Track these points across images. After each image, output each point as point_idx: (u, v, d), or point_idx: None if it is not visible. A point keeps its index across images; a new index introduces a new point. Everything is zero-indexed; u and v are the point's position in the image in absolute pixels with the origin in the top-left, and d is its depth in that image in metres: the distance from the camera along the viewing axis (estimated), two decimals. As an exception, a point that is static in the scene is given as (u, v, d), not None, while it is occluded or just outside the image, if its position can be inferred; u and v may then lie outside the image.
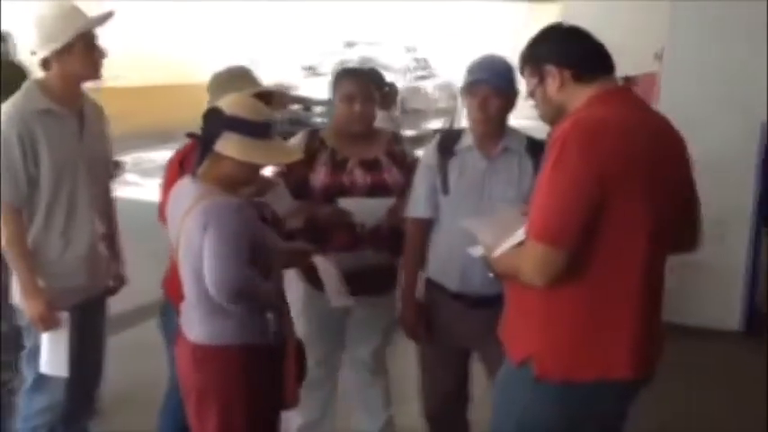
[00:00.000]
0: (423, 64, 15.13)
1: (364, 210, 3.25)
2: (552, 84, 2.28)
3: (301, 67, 14.16)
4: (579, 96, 2.25)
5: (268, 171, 3.20)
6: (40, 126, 2.86)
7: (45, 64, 2.92)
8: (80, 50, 2.87)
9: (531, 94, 2.35)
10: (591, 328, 2.20)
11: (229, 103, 2.45)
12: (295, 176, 3.26)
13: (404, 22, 17.97)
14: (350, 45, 14.80)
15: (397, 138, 3.51)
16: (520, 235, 2.20)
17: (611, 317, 2.19)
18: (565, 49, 2.28)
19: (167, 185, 2.85)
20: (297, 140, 3.34)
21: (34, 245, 2.92)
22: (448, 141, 3.05)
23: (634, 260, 2.17)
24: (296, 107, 12.65)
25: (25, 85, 2.94)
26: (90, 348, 3.13)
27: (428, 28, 18.25)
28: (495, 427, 2.43)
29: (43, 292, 2.89)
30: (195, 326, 2.49)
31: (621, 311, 2.19)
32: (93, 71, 2.95)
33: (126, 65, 11.69)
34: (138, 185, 9.45)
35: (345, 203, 3.24)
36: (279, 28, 16.64)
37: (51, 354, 2.93)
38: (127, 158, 10.92)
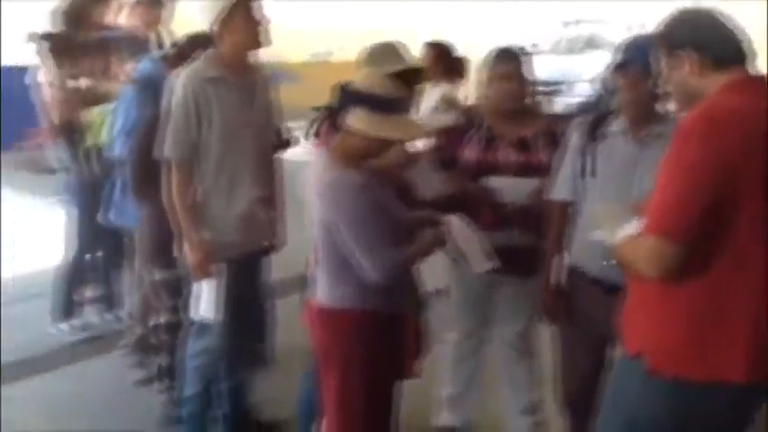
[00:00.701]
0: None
1: (512, 189, 3.25)
2: (689, 69, 2.18)
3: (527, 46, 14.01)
4: (714, 83, 2.14)
5: (419, 145, 3.28)
6: (212, 92, 3.11)
7: (216, 35, 3.15)
8: (239, 20, 3.07)
9: (666, 79, 2.26)
10: (707, 326, 2.11)
11: (361, 79, 2.55)
12: (448, 151, 3.33)
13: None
14: (570, 24, 14.46)
15: (556, 117, 3.46)
16: (636, 224, 2.13)
17: (730, 317, 2.09)
18: (703, 34, 2.17)
19: None
20: (453, 115, 3.40)
21: (202, 200, 3.19)
22: (597, 123, 2.97)
23: (758, 259, 2.05)
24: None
25: (204, 54, 3.19)
26: (247, 300, 3.37)
27: (654, 5, 17.29)
28: (603, 417, 2.40)
29: (203, 244, 3.16)
30: (321, 289, 2.64)
31: (741, 312, 2.09)
32: (255, 40, 3.14)
33: (342, 40, 12.22)
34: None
35: (493, 182, 3.26)
36: (497, 6, 16.52)
37: (207, 300, 3.22)
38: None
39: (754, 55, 2.18)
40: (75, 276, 4.54)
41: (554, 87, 12.81)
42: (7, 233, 6.19)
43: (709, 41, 2.15)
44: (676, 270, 2.04)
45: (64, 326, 4.55)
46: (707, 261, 2.05)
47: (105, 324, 4.64)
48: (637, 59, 2.78)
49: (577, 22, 14.36)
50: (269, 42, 3.19)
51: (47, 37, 4.35)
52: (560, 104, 12.23)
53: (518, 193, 3.26)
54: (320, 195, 2.53)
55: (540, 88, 12.10)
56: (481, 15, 16.05)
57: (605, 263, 2.35)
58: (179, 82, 3.14)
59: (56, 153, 4.41)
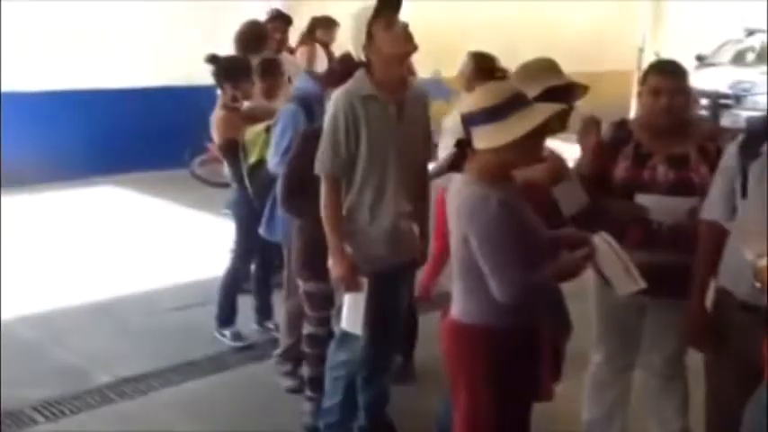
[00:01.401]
0: None
1: (662, 207, 3.14)
2: None
3: (695, 57, 13.41)
4: None
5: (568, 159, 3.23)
6: (363, 109, 3.20)
7: (366, 58, 3.24)
8: (377, 40, 3.15)
9: None
10: None
11: (468, 101, 2.54)
12: (598, 167, 3.25)
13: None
14: (751, 33, 13.66)
15: (714, 133, 3.31)
16: None
17: None
18: None
19: None
20: (606, 131, 3.33)
21: (347, 214, 3.29)
22: (753, 140, 2.81)
23: None
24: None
25: (356, 74, 3.28)
26: (389, 314, 3.43)
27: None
28: None
29: (348, 257, 3.26)
30: (455, 303, 2.64)
31: None
32: (397, 54, 3.20)
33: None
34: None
35: (643, 199, 3.16)
36: (679, 14, 15.91)
37: (350, 313, 3.31)
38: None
39: None
40: (235, 286, 4.77)
41: (724, 101, 12.18)
42: (178, 243, 6.62)
43: None
44: None
45: (226, 332, 4.79)
46: None
47: (262, 333, 4.85)
48: None
49: (752, 32, 13.54)
50: (413, 48, 3.23)
51: (215, 60, 4.64)
52: (729, 118, 11.63)
53: (669, 211, 3.14)
54: (457, 210, 2.54)
55: (704, 102, 11.70)
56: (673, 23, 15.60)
57: (754, 285, 2.21)
58: (332, 100, 3.27)
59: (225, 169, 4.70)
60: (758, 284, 2.18)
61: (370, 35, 3.17)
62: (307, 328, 3.85)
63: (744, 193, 2.75)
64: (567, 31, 13.62)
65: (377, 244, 3.30)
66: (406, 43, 3.21)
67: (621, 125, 3.33)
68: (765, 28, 13.60)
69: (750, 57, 13.72)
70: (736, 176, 2.79)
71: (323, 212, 3.27)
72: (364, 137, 3.21)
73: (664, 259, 3.12)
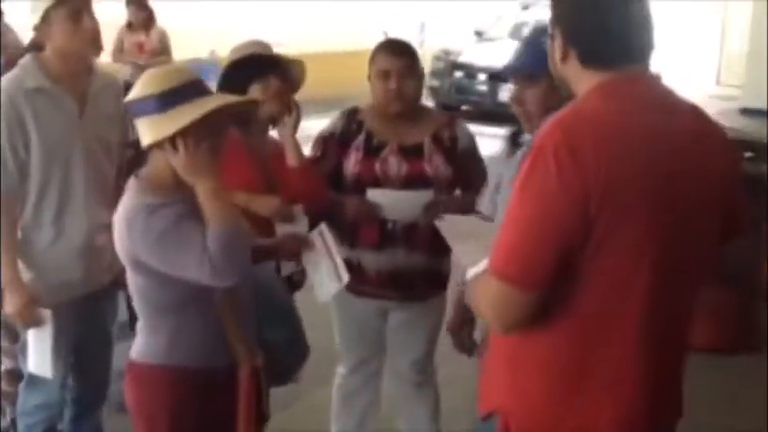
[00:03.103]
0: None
1: (396, 204, 2.82)
2: (557, 52, 1.71)
3: (474, 32, 13.50)
4: (584, 81, 1.67)
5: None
6: (29, 106, 2.63)
7: (37, 38, 2.68)
8: (61, 23, 2.60)
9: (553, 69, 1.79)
10: (569, 383, 1.66)
11: (136, 86, 2.03)
12: (329, 162, 2.88)
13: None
14: (526, 7, 13.94)
15: (451, 121, 2.99)
16: (484, 264, 1.67)
17: (597, 370, 1.64)
18: (575, 21, 1.67)
19: None
20: (332, 121, 2.96)
21: (23, 234, 2.72)
22: (518, 133, 2.51)
23: (631, 299, 1.60)
24: (459, 74, 12.07)
25: (21, 62, 2.71)
26: (93, 346, 2.93)
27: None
28: None
29: (25, 287, 2.68)
30: (135, 342, 2.16)
31: (611, 364, 1.64)
32: (82, 44, 2.67)
33: (290, 32, 11.74)
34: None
35: (374, 195, 2.82)
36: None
37: (36, 352, 2.72)
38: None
39: (648, 51, 1.68)
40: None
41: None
42: None
43: (578, 32, 1.66)
44: (526, 321, 1.61)
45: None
46: (567, 304, 1.60)
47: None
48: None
49: (527, 6, 13.83)
50: (97, 51, 2.73)
51: None
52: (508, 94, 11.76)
53: (403, 208, 2.82)
54: (117, 225, 2.05)
55: (482, 77, 11.72)
56: None
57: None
58: None
59: None
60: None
61: (47, 17, 2.60)
62: (5, 363, 3.21)
63: (497, 188, 2.45)
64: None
65: (65, 268, 2.74)
66: (91, 39, 2.68)
67: (352, 114, 2.96)
68: (543, 2, 13.96)
69: (526, 31, 13.97)
70: (501, 167, 2.51)
71: None
72: (35, 139, 2.63)
73: (401, 260, 2.87)
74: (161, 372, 2.09)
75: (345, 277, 2.48)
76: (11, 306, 2.67)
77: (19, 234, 2.71)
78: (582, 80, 1.67)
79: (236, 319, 2.11)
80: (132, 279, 2.09)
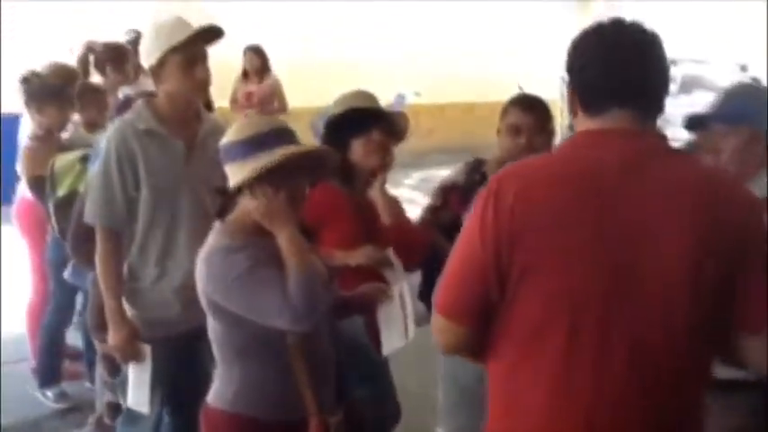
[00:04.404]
0: (756, 84, 13.40)
1: None
2: (569, 102, 1.72)
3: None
4: (579, 127, 1.70)
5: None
6: (140, 146, 2.73)
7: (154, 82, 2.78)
8: (174, 68, 2.68)
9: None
10: (506, 419, 1.70)
11: (227, 132, 2.12)
12: (448, 213, 2.88)
13: (735, 37, 16.17)
14: (673, 63, 13.55)
15: None
16: None
17: (519, 413, 1.66)
18: (575, 63, 1.68)
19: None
20: (455, 171, 2.93)
21: (129, 272, 2.81)
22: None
23: (547, 353, 1.59)
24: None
25: (135, 105, 2.82)
26: (189, 383, 2.92)
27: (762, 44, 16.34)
28: None
29: (129, 322, 2.76)
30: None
31: (531, 411, 1.63)
32: (194, 90, 2.76)
33: (426, 83, 11.88)
34: (415, 203, 9.32)
35: None
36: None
37: (135, 387, 2.79)
38: (415, 176, 11.19)
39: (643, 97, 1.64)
40: (56, 341, 4.21)
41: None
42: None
43: (579, 75, 1.66)
44: (465, 350, 1.74)
45: (48, 392, 4.22)
46: (497, 341, 1.66)
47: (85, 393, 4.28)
48: None
49: (674, 62, 13.45)
50: (205, 96, 2.82)
51: (28, 82, 4.07)
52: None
53: None
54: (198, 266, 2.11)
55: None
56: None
57: None
58: (106, 136, 2.77)
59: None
60: None
61: (162, 61, 2.69)
62: (107, 396, 3.32)
63: None
64: (470, 57, 13.38)
65: (165, 305, 2.81)
66: (201, 87, 2.78)
67: (476, 166, 2.94)
68: (687, 58, 13.57)
69: (672, 87, 13.55)
70: None
71: (98, 268, 2.76)
72: (144, 179, 2.72)
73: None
74: (229, 419, 2.10)
75: (411, 335, 2.45)
76: (113, 339, 2.75)
77: (125, 271, 2.80)
78: (579, 126, 1.69)
79: (308, 369, 2.09)
80: (210, 321, 2.12)
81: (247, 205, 2.06)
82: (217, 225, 2.13)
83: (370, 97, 2.84)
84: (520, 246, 1.55)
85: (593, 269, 1.54)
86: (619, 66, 1.61)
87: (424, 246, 2.77)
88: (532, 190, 1.57)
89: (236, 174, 2.05)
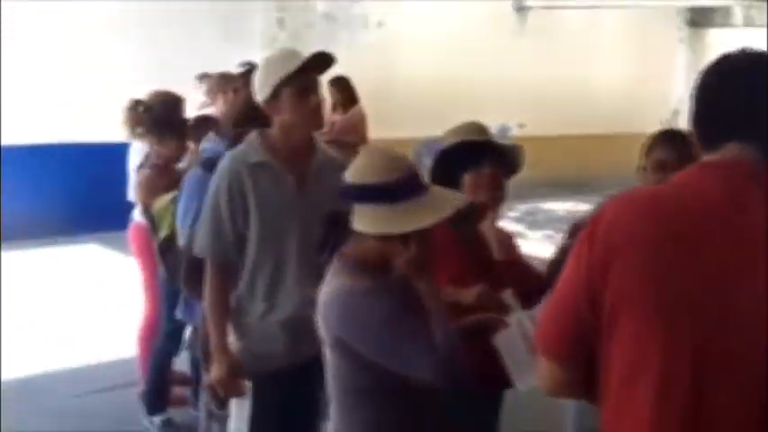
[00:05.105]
0: None
1: None
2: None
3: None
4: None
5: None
6: (251, 179, 2.73)
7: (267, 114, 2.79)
8: (287, 99, 2.68)
9: None
10: None
11: (356, 169, 2.03)
12: None
13: None
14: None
15: None
16: None
17: None
18: (698, 98, 1.61)
19: None
20: (592, 209, 2.82)
21: (236, 305, 2.80)
22: None
23: (640, 390, 1.50)
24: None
25: (247, 137, 2.83)
26: (298, 415, 2.90)
27: None
28: None
29: (232, 356, 2.75)
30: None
31: None
32: (307, 122, 2.74)
33: (531, 115, 11.71)
34: (521, 236, 9.13)
35: None
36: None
37: (237, 421, 2.77)
38: (522, 207, 10.98)
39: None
40: (163, 369, 4.27)
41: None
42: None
43: (697, 110, 1.61)
44: (569, 392, 1.73)
45: (155, 419, 4.27)
46: (600, 384, 1.58)
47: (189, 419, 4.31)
48: None
49: None
50: (319, 126, 2.80)
51: (150, 111, 4.15)
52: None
53: None
54: (323, 305, 2.05)
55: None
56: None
57: None
58: (218, 167, 2.78)
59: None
60: None
61: (276, 93, 2.69)
62: (213, 429, 3.31)
63: None
64: (596, 91, 13.15)
65: (272, 339, 2.78)
66: (315, 119, 2.76)
67: None
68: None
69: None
70: None
71: (205, 301, 2.77)
72: (254, 213, 2.71)
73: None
74: None
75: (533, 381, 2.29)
76: (215, 373, 2.74)
77: (233, 303, 2.79)
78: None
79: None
80: (331, 359, 2.06)
81: (374, 244, 2.01)
82: (338, 262, 2.07)
83: (482, 129, 2.76)
84: (610, 275, 1.50)
85: (684, 307, 1.46)
86: (744, 101, 1.54)
87: (540, 284, 2.65)
88: (626, 217, 1.54)
89: (382, 220, 1.97)
